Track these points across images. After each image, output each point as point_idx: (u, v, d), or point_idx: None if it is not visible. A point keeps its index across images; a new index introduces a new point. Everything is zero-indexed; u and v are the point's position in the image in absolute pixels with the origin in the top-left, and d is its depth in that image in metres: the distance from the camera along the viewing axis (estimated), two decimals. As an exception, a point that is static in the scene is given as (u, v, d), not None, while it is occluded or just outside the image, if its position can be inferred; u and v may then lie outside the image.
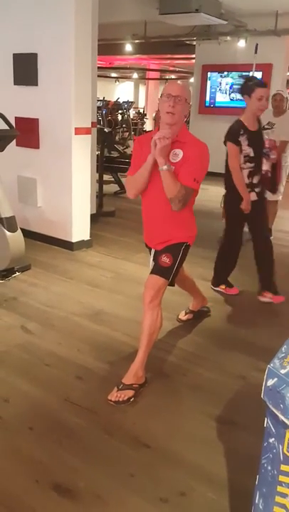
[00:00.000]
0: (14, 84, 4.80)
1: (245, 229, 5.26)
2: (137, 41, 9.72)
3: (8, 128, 3.99)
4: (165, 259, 2.55)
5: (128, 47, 10.26)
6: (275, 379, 1.39)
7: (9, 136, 4.00)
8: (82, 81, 4.42)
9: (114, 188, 7.85)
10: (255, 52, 5.77)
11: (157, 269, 2.57)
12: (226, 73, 9.62)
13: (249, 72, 9.15)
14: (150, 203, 2.61)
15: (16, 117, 4.68)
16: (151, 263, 2.68)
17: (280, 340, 2.18)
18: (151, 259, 2.69)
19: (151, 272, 2.60)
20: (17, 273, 4.05)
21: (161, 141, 2.33)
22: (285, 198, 6.78)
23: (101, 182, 6.52)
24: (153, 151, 2.39)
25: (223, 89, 9.75)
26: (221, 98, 9.82)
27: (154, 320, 2.50)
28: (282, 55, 8.88)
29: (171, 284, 2.65)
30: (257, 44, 6.12)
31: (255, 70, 9.06)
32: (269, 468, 1.46)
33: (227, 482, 1.96)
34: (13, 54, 4.72)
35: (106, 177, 7.16)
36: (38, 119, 4.69)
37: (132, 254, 4.66)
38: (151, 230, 2.68)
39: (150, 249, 2.76)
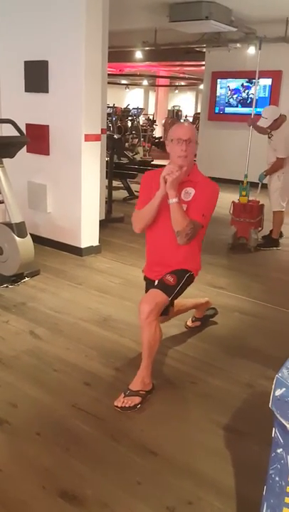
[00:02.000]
0: (25, 91, 4.85)
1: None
2: (147, 48, 9.79)
3: (18, 135, 4.03)
4: (169, 278, 2.57)
5: (138, 54, 10.34)
6: (284, 389, 1.38)
7: (19, 143, 4.03)
8: (92, 88, 4.46)
9: (124, 194, 7.89)
10: (259, 48, 5.73)
11: (160, 285, 2.56)
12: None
13: (262, 78, 9.20)
14: (156, 237, 2.67)
15: (26, 124, 4.73)
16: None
17: (288, 349, 2.17)
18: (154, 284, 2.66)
19: (152, 288, 2.60)
20: (26, 278, 4.08)
21: (171, 175, 2.41)
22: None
23: (110, 188, 6.55)
24: (162, 187, 2.46)
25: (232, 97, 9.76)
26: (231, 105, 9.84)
27: (152, 334, 2.46)
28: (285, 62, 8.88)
29: (165, 312, 2.65)
30: (260, 39, 6.08)
31: (264, 77, 9.12)
32: (277, 478, 1.45)
33: (234, 492, 1.95)
34: (25, 61, 4.78)
35: (115, 183, 7.19)
36: (48, 126, 4.73)
37: (141, 260, 4.64)
38: (155, 263, 2.72)
39: (149, 281, 2.78)
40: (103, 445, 2.18)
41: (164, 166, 2.54)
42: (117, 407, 2.41)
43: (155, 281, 2.67)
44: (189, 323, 3.36)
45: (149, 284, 2.77)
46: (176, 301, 2.78)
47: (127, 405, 2.41)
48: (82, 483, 1.95)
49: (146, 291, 2.74)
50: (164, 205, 2.51)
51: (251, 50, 8.62)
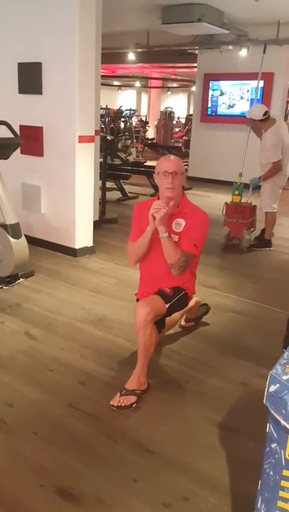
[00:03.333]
0: (19, 92, 4.86)
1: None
2: (139, 50, 9.82)
3: (12, 136, 4.04)
4: (166, 290, 2.64)
5: (131, 56, 10.37)
6: (277, 385, 1.41)
7: (14, 144, 4.05)
8: (86, 90, 4.48)
9: (117, 195, 7.91)
10: (264, 52, 5.75)
11: (158, 293, 2.63)
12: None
13: (253, 80, 9.26)
14: (151, 267, 2.74)
15: (20, 125, 4.74)
16: None
17: (280, 347, 2.21)
18: None
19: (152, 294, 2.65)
20: (21, 279, 4.09)
21: (159, 212, 2.45)
22: (286, 206, 6.85)
23: (104, 189, 6.57)
24: (152, 223, 2.51)
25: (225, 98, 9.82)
26: (223, 107, 9.89)
27: (148, 337, 2.50)
28: (283, 64, 8.96)
29: (160, 330, 2.71)
30: (265, 44, 6.11)
31: (256, 79, 9.17)
32: (271, 473, 1.48)
33: (229, 487, 1.98)
34: (18, 63, 4.79)
35: (109, 184, 7.21)
36: (42, 128, 4.75)
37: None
38: (150, 291, 2.74)
39: None
40: (99, 444, 2.20)
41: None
42: (112, 406, 2.43)
43: None
44: (183, 323, 3.39)
45: None
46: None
47: (122, 404, 2.43)
48: (79, 481, 1.97)
49: None
50: (156, 238, 2.57)
51: (243, 52, 8.69)
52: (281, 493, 1.46)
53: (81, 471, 2.03)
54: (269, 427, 1.48)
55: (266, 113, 5.14)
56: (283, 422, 1.39)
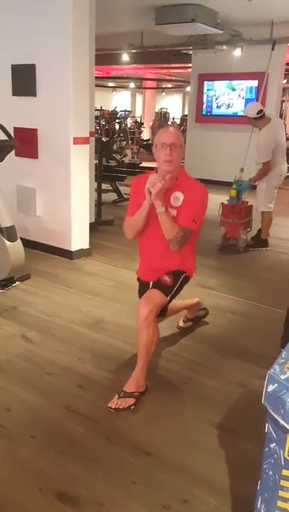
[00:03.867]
0: (13, 95, 4.85)
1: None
2: (133, 51, 9.80)
3: (7, 138, 4.02)
4: (166, 279, 2.59)
5: (125, 56, 10.36)
6: (276, 384, 1.41)
7: (8, 147, 4.03)
8: (80, 91, 4.47)
9: (113, 196, 7.90)
10: (272, 49, 5.76)
11: (158, 286, 2.59)
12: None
13: (246, 79, 9.29)
14: (149, 243, 2.67)
15: (14, 128, 4.72)
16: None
17: (278, 347, 2.20)
18: (150, 286, 2.68)
19: (151, 287, 2.62)
20: (17, 282, 4.07)
21: (155, 187, 2.38)
22: (281, 206, 6.86)
23: (99, 191, 6.56)
24: (148, 197, 2.45)
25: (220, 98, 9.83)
26: (218, 107, 9.90)
27: (150, 337, 2.49)
28: (277, 63, 8.97)
29: (163, 314, 2.68)
30: (274, 41, 6.10)
31: (251, 79, 9.21)
32: (270, 473, 1.47)
33: (229, 488, 1.97)
34: (12, 65, 4.78)
35: (104, 186, 7.20)
36: (36, 130, 4.73)
37: (132, 262, 4.67)
38: (149, 268, 2.73)
39: (142, 283, 2.79)
40: (98, 446, 2.19)
41: (153, 168, 2.54)
42: (111, 408, 2.42)
43: (150, 283, 2.69)
44: (181, 323, 3.38)
45: (143, 285, 2.78)
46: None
47: (120, 407, 2.42)
48: (78, 485, 1.96)
49: (140, 293, 2.76)
50: (153, 213, 2.50)
51: (237, 52, 8.70)
52: (281, 493, 1.45)
53: (80, 475, 2.02)
54: (268, 427, 1.48)
55: (260, 111, 5.14)
56: (282, 422, 1.38)
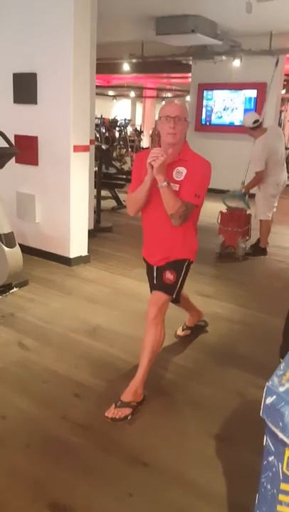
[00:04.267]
0: (14, 102, 4.86)
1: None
2: (134, 60, 9.89)
3: (7, 146, 4.03)
4: (169, 276, 2.57)
5: (126, 66, 10.43)
6: (274, 397, 1.40)
7: (9, 154, 4.03)
8: (80, 100, 4.49)
9: (112, 203, 7.91)
10: (276, 64, 5.88)
11: (161, 286, 2.59)
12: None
13: (243, 89, 9.34)
14: (151, 219, 2.62)
15: (15, 135, 4.73)
16: (153, 279, 2.70)
17: (276, 356, 2.19)
18: (155, 275, 2.69)
19: (155, 288, 2.62)
20: (15, 289, 4.06)
21: (156, 161, 2.32)
22: (280, 215, 6.87)
23: (99, 198, 6.57)
24: (150, 172, 2.39)
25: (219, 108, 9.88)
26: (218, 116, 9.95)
27: (158, 337, 2.51)
28: (276, 74, 9.03)
29: (176, 301, 2.67)
30: (278, 57, 6.26)
31: (249, 89, 9.26)
32: (269, 487, 1.46)
33: (226, 500, 1.95)
34: (13, 73, 4.80)
35: (104, 193, 7.21)
36: (37, 137, 4.74)
37: (130, 269, 4.68)
38: (152, 246, 2.68)
39: (148, 265, 2.77)
40: (94, 456, 2.16)
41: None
42: (107, 417, 2.40)
43: (154, 267, 2.68)
44: (180, 332, 3.37)
45: (148, 267, 2.77)
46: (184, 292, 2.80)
47: (117, 416, 2.40)
48: (73, 495, 1.94)
49: (148, 274, 2.77)
50: (155, 188, 2.44)
51: (236, 62, 8.77)
52: (279, 508, 1.44)
53: (75, 485, 1.99)
54: (266, 440, 1.46)
55: (256, 121, 5.17)
56: (280, 435, 1.37)
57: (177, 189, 2.44)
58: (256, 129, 5.18)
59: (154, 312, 2.51)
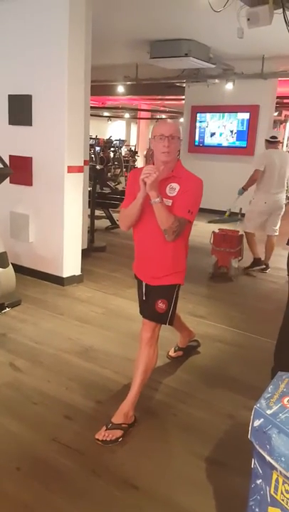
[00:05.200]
0: (9, 124, 4.93)
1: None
2: (128, 83, 10.05)
3: (2, 166, 4.07)
4: (161, 306, 2.59)
5: (120, 88, 10.60)
6: (262, 419, 1.41)
7: (3, 175, 4.07)
8: (75, 121, 4.56)
9: (106, 223, 7.95)
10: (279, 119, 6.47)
11: (153, 315, 2.59)
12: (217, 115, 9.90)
13: (236, 112, 9.50)
14: (142, 235, 2.65)
15: (10, 156, 4.78)
16: (142, 295, 2.73)
17: (268, 378, 2.19)
18: (144, 291, 2.71)
19: (147, 317, 2.62)
20: (7, 308, 4.05)
21: (149, 177, 2.37)
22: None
23: (93, 217, 6.60)
24: (142, 188, 2.43)
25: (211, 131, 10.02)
26: (210, 138, 10.09)
27: (151, 357, 2.52)
28: (268, 97, 9.23)
29: (170, 324, 2.69)
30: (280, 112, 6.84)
31: (242, 111, 9.43)
32: (257, 510, 1.45)
33: (216, 525, 1.93)
34: (9, 95, 4.87)
35: (98, 212, 7.25)
36: (31, 158, 4.80)
37: (123, 289, 4.69)
38: (142, 261, 2.70)
39: (139, 280, 2.79)
40: (84, 480, 2.15)
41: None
42: (98, 440, 2.39)
43: (143, 283, 2.70)
44: (172, 353, 3.37)
45: (139, 283, 2.78)
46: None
47: (108, 439, 2.39)
48: (62, 520, 1.91)
49: (138, 290, 2.79)
50: (148, 204, 2.49)
51: (229, 85, 8.94)
52: (267, 532, 1.43)
53: (65, 509, 1.97)
54: (254, 463, 1.46)
55: (273, 137, 5.73)
56: (268, 458, 1.37)
57: (170, 204, 2.49)
58: (271, 143, 5.70)
59: (148, 334, 2.54)
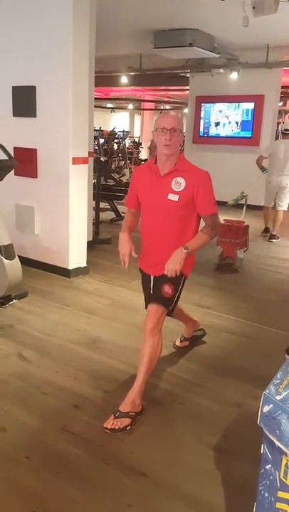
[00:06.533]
0: (13, 115, 4.92)
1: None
2: (132, 73, 10.00)
3: (7, 158, 4.07)
4: (168, 290, 2.60)
5: (124, 79, 10.55)
6: (271, 405, 1.41)
7: (8, 166, 4.07)
8: (79, 113, 4.55)
9: (111, 215, 7.95)
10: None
11: (159, 299, 2.61)
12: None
13: (241, 102, 9.44)
14: (150, 229, 2.65)
15: (14, 148, 4.78)
16: (150, 289, 2.72)
17: (275, 368, 2.20)
18: (152, 285, 2.70)
19: (152, 300, 2.63)
20: (14, 300, 4.07)
21: (170, 273, 2.44)
22: (280, 227, 6.92)
23: (97, 209, 6.60)
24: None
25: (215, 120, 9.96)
26: (215, 129, 10.03)
27: (155, 347, 2.54)
28: (273, 86, 9.17)
29: (170, 314, 2.71)
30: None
31: (247, 101, 9.36)
32: (266, 495, 1.47)
33: (224, 511, 1.95)
34: (13, 87, 4.86)
35: (102, 204, 7.25)
36: (36, 150, 4.79)
37: (129, 281, 4.70)
38: (151, 255, 2.69)
39: (144, 275, 2.79)
40: (93, 468, 2.17)
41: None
42: (106, 428, 2.40)
43: (150, 277, 2.70)
44: (178, 343, 3.38)
45: (144, 277, 2.78)
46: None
47: (116, 427, 2.40)
48: (73, 507, 1.94)
49: (143, 284, 2.80)
50: (154, 199, 2.53)
51: (234, 75, 8.88)
52: (277, 517, 1.44)
53: (75, 497, 2.00)
54: (263, 448, 1.47)
55: (286, 130, 6.86)
56: (277, 443, 1.38)
57: (177, 199, 2.50)
58: (285, 134, 6.92)
59: (152, 324, 2.55)
